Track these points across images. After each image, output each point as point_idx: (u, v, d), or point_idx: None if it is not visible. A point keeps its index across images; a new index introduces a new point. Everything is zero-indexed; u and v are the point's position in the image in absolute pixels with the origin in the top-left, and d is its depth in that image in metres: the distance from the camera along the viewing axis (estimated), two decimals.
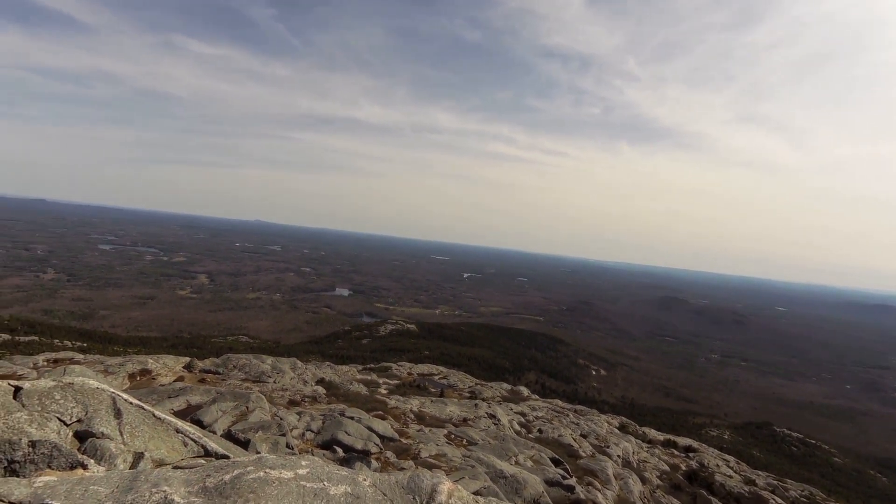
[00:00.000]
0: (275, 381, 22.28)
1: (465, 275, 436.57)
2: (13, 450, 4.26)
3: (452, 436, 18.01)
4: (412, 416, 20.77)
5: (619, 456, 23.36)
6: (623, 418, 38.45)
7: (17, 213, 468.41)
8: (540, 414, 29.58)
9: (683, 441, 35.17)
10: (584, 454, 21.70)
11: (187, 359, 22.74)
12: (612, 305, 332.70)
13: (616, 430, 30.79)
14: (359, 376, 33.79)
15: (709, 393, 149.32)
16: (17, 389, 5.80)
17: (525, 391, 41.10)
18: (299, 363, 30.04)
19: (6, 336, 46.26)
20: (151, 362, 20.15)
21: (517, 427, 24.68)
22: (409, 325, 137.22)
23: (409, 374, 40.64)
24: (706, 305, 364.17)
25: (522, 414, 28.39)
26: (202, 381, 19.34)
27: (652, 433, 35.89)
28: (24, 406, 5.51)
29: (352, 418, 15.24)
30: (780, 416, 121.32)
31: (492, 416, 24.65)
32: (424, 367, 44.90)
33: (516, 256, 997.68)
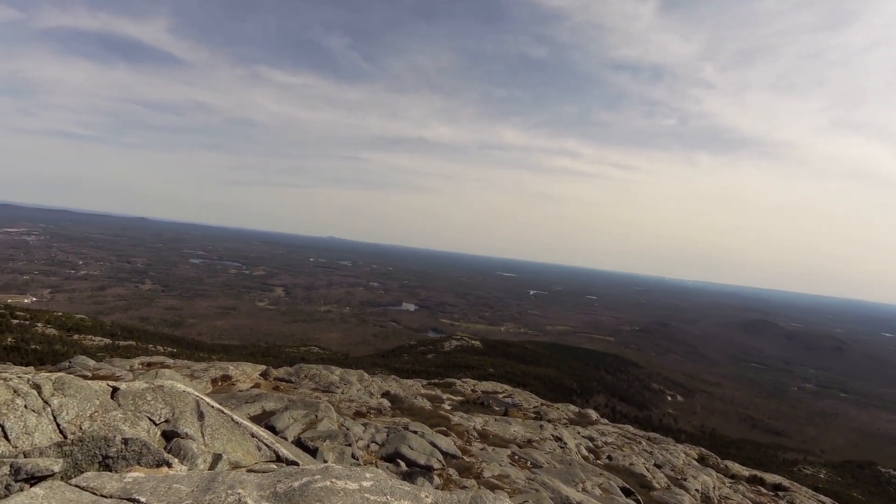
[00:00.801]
0: (342, 392, 22.91)
1: (532, 292, 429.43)
2: (108, 446, 4.65)
3: (516, 457, 17.57)
4: (475, 433, 20.52)
5: (697, 490, 21.69)
6: (702, 449, 35.77)
7: (122, 230, 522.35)
8: (609, 439, 28.20)
9: (772, 478, 32.05)
10: (658, 486, 20.36)
11: (263, 367, 24.03)
12: (690, 327, 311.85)
13: (694, 462, 28.68)
14: (423, 391, 33.99)
15: (802, 426, 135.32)
16: (115, 390, 6.37)
17: (593, 414, 39.44)
18: (366, 375, 30.74)
19: (108, 340, 51.31)
20: (232, 369, 21.50)
21: (584, 452, 23.65)
22: (473, 342, 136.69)
23: (473, 390, 40.33)
24: (799, 329, 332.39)
25: (590, 438, 27.20)
26: (276, 388, 20.30)
27: (736, 467, 33.12)
28: (119, 405, 6.03)
29: (415, 433, 15.30)
30: (885, 455, 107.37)
31: (558, 439, 23.81)
32: (488, 385, 44.41)
33: (585, 274, 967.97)
